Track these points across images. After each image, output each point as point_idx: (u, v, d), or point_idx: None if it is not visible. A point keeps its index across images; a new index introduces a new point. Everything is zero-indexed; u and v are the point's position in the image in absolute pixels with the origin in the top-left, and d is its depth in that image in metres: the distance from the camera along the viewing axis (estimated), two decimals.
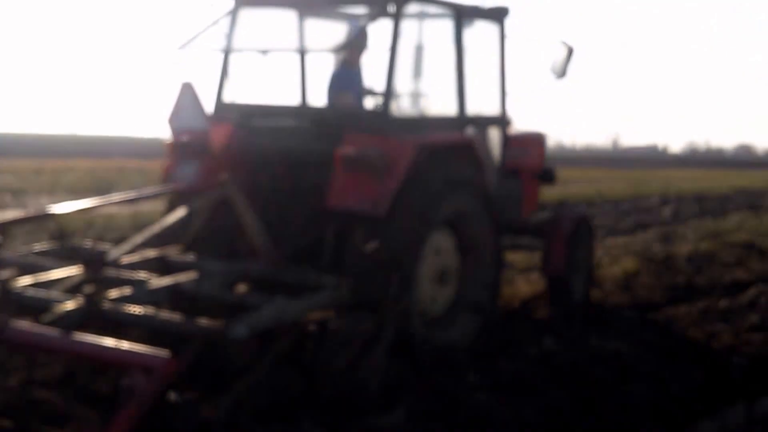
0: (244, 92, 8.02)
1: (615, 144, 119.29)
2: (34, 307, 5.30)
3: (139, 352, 4.49)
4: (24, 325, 4.74)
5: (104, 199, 7.38)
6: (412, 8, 7.55)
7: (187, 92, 7.40)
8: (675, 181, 34.95)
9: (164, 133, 7.76)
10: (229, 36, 7.78)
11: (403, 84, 8.03)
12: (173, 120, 7.49)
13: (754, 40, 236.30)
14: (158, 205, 8.88)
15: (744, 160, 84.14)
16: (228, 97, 7.89)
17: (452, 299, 7.50)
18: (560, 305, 9.05)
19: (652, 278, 11.14)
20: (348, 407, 5.34)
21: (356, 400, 5.41)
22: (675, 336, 8.10)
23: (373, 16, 7.70)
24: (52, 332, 4.65)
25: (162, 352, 4.40)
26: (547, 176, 9.56)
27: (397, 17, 7.15)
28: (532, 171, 9.38)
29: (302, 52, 8.51)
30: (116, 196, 8.31)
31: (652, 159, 76.04)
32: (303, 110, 8.28)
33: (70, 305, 5.22)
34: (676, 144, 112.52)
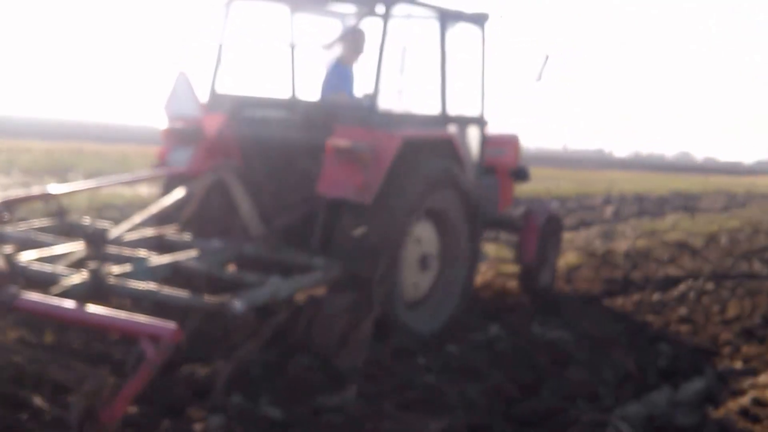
0: (237, 83, 7.99)
1: (565, 147, 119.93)
2: (39, 280, 5.44)
3: (149, 322, 4.57)
4: (35, 296, 4.81)
5: (104, 181, 7.65)
6: (399, 9, 7.57)
7: (183, 81, 7.49)
8: (618, 182, 35.23)
9: (155, 119, 7.87)
10: (223, 28, 7.80)
11: (390, 81, 7.99)
12: (168, 107, 7.56)
13: (698, 58, 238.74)
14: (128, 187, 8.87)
15: (683, 165, 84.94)
16: (221, 88, 7.88)
17: (431, 285, 7.70)
18: (531, 290, 9.45)
19: (592, 272, 11.32)
20: (302, 386, 5.43)
21: (310, 380, 5.51)
22: (610, 326, 8.22)
23: (362, 16, 7.92)
24: (65, 303, 4.73)
25: (169, 323, 4.49)
26: (521, 175, 9.76)
27: (385, 17, 7.23)
28: (508, 169, 9.60)
29: (293, 47, 8.48)
30: (114, 178, 8.53)
31: (598, 161, 76.49)
32: (294, 102, 8.26)
33: (76, 279, 5.35)
34: (622, 150, 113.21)
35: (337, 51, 8.29)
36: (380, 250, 6.68)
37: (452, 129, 8.19)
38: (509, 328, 7.66)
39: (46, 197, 6.94)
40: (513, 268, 9.92)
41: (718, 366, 7.16)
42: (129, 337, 4.79)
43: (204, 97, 7.75)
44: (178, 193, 7.03)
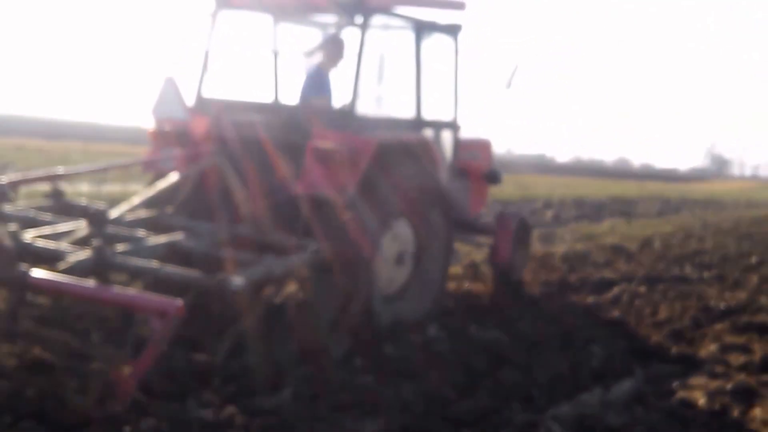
0: (222, 88, 8.21)
1: (509, 151, 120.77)
2: (44, 257, 5.59)
3: (156, 298, 4.85)
4: (47, 273, 5.00)
5: (105, 166, 8.18)
6: (377, 20, 7.79)
7: (170, 85, 7.70)
8: (558, 187, 35.50)
9: (144, 121, 8.14)
10: (210, 36, 8.01)
11: (367, 87, 8.20)
12: (156, 110, 7.77)
13: (637, 65, 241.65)
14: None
15: (621, 171, 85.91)
16: (207, 92, 8.06)
17: (406, 279, 7.97)
18: (504, 288, 9.81)
19: (530, 274, 11.30)
20: (235, 388, 5.31)
21: (244, 381, 5.39)
22: (546, 327, 8.21)
23: (342, 26, 8.15)
24: (76, 280, 4.93)
25: (175, 300, 4.71)
26: (493, 178, 9.98)
27: (363, 27, 7.46)
28: (480, 173, 9.83)
29: (275, 54, 8.74)
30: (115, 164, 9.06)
31: (540, 166, 77.04)
32: (276, 106, 8.59)
33: (81, 255, 5.52)
34: (563, 155, 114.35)
35: (318, 58, 8.44)
36: (360, 245, 6.93)
37: (427, 133, 8.53)
38: (447, 330, 7.60)
39: (51, 179, 7.05)
40: (457, 270, 9.94)
41: (649, 367, 7.15)
42: (137, 312, 5.03)
43: (191, 101, 7.94)
44: (174, 176, 7.21)
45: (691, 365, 7.33)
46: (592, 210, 24.72)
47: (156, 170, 7.71)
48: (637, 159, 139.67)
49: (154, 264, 5.72)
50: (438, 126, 8.89)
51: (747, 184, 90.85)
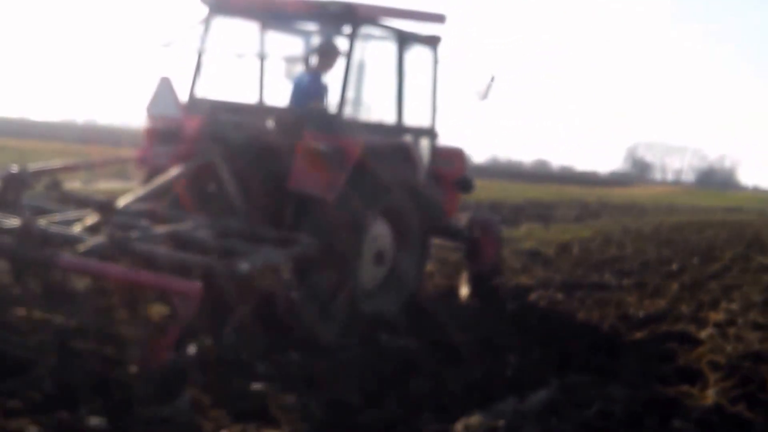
0: (213, 89, 9.03)
1: None
2: (59, 242, 6.35)
3: (179, 280, 5.70)
4: (72, 255, 5.96)
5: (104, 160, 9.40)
6: (363, 29, 8.63)
7: (165, 85, 8.46)
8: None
9: (140, 119, 8.87)
10: (203, 39, 8.85)
11: (353, 93, 9.04)
12: (151, 108, 8.52)
13: (556, 66, 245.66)
14: None
15: (540, 174, 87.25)
16: (200, 93, 8.91)
17: (384, 277, 8.92)
18: (483, 289, 10.59)
19: (444, 279, 11.45)
20: (130, 396, 5.27)
21: (140, 389, 5.37)
22: (459, 335, 8.31)
23: (329, 34, 9.01)
24: (102, 262, 5.86)
25: (194, 282, 5.60)
26: (465, 186, 10.71)
27: (351, 37, 8.39)
28: (453, 180, 10.55)
29: (262, 58, 9.62)
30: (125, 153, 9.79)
31: None
32: (265, 108, 9.49)
33: (95, 240, 6.31)
34: (479, 155, 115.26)
35: (313, 62, 9.21)
36: (345, 240, 7.93)
37: (407, 138, 9.42)
38: (356, 336, 7.65)
39: (69, 170, 7.97)
40: None
41: (565, 377, 7.29)
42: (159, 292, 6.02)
43: (183, 101, 8.71)
44: (173, 171, 7.88)
45: (608, 375, 7.47)
46: (509, 214, 25.08)
47: (150, 165, 8.48)
48: (557, 161, 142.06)
49: (164, 249, 6.60)
50: (417, 132, 9.71)
51: (669, 188, 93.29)
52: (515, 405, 6.18)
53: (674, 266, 15.72)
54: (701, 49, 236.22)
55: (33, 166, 7.32)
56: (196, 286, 5.54)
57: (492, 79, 9.75)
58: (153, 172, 8.31)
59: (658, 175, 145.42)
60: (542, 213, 27.08)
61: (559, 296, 11.10)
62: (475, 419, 5.64)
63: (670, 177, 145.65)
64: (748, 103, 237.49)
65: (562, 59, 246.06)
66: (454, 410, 6.03)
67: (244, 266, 6.42)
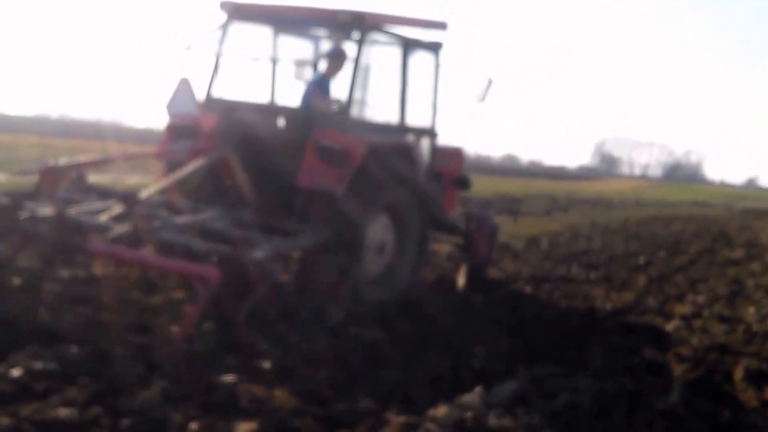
0: (229, 89, 9.67)
1: None
2: (85, 230, 6.98)
3: (199, 266, 6.40)
4: (101, 241, 6.66)
5: (125, 155, 9.97)
6: (370, 36, 9.18)
7: (184, 85, 9.00)
8: None
9: (161, 118, 9.43)
10: (221, 43, 9.49)
11: (360, 95, 9.46)
12: (170, 107, 9.05)
13: (525, 62, 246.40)
14: None
15: (509, 168, 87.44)
16: (216, 93, 9.54)
17: (384, 267, 9.51)
18: (476, 282, 11.18)
19: (429, 274, 11.49)
20: (102, 386, 5.25)
21: (110, 379, 5.35)
22: (427, 327, 8.36)
23: (339, 40, 9.63)
24: (130, 248, 6.62)
25: (212, 267, 6.30)
26: (463, 184, 11.43)
27: (360, 42, 8.98)
28: (452, 178, 11.21)
29: (275, 61, 10.24)
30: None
31: None
32: (277, 108, 10.10)
33: (121, 228, 6.96)
34: None
35: (322, 66, 9.94)
36: (352, 231, 8.55)
37: (409, 137, 10.03)
38: (325, 328, 7.66)
39: (101, 163, 8.70)
40: None
41: (533, 368, 7.35)
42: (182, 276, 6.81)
43: (201, 100, 9.34)
44: (191, 166, 8.45)
45: (576, 367, 7.53)
46: (477, 207, 25.12)
47: (168, 160, 9.19)
48: (526, 156, 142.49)
49: (185, 238, 7.21)
50: (419, 132, 10.29)
51: (636, 183, 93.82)
52: (483, 396, 6.21)
53: (641, 260, 15.87)
54: (668, 46, 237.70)
55: (64, 160, 7.87)
56: (214, 271, 6.20)
57: (490, 82, 10.28)
58: (171, 166, 9.01)
59: (625, 170, 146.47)
60: (511, 207, 27.15)
61: (528, 289, 11.18)
62: (443, 410, 5.66)
63: (637, 171, 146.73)
64: (715, 99, 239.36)
65: (530, 57, 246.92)
66: (422, 401, 6.08)
67: (258, 254, 6.93)
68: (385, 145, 9.15)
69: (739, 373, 7.81)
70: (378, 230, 9.29)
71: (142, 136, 42.11)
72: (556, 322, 9.37)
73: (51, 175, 7.48)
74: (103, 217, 7.40)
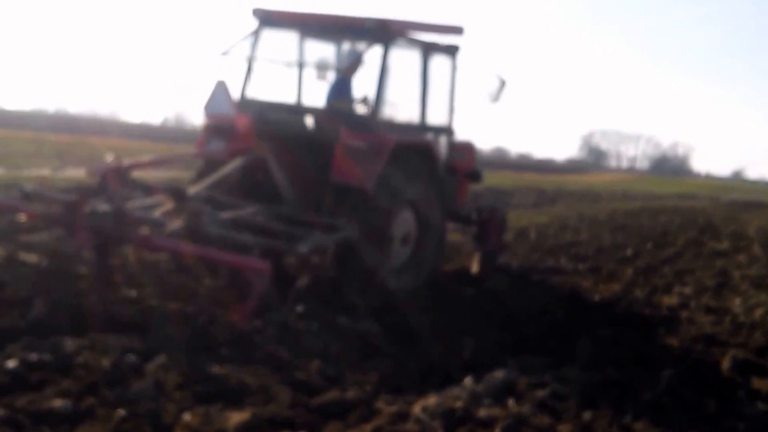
0: (262, 90, 10.43)
1: None
2: (142, 224, 7.50)
3: (252, 259, 7.00)
4: (162, 237, 7.28)
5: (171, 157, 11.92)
6: (394, 42, 9.76)
7: (221, 86, 9.54)
8: None
9: (200, 117, 10.52)
10: (253, 48, 10.26)
11: (385, 96, 9.96)
12: (208, 107, 9.62)
13: (514, 55, 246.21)
14: None
15: (498, 160, 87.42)
16: (250, 94, 10.33)
17: (408, 257, 10.17)
18: (488, 270, 11.69)
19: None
20: (97, 378, 5.28)
21: (104, 371, 5.38)
22: (418, 318, 8.38)
23: (367, 46, 10.09)
24: (186, 243, 7.13)
25: (264, 261, 6.83)
26: (475, 177, 12.02)
27: (385, 48, 9.61)
28: (465, 171, 11.74)
29: (302, 65, 10.91)
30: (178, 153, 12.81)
31: None
32: (304, 108, 10.70)
33: (175, 224, 7.47)
34: None
35: (343, 69, 10.43)
36: (382, 224, 9.21)
37: (429, 136, 10.75)
38: (317, 319, 7.69)
39: (158, 164, 9.77)
40: None
41: (522, 359, 7.40)
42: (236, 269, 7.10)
43: (236, 100, 9.93)
44: (232, 164, 9.12)
45: (563, 357, 7.60)
46: (467, 201, 25.10)
47: (206, 158, 9.87)
48: (514, 148, 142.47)
49: (233, 233, 7.71)
50: (437, 130, 11.01)
51: (623, 176, 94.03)
52: (472, 386, 6.25)
53: (629, 251, 15.93)
54: (654, 38, 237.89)
55: (126, 160, 8.67)
56: (267, 264, 6.68)
57: (503, 83, 10.85)
58: (208, 164, 9.74)
59: (613, 163, 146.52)
60: (500, 199, 27.19)
61: (516, 280, 11.22)
62: (432, 400, 5.70)
63: (624, 164, 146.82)
64: (701, 91, 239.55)
65: (518, 49, 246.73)
66: (412, 391, 6.11)
67: (303, 247, 7.70)
68: (409, 144, 9.84)
69: (726, 364, 7.87)
70: (403, 223, 9.90)
71: (139, 132, 42.04)
72: (544, 313, 9.43)
73: (113, 174, 8.34)
74: (156, 213, 7.95)
